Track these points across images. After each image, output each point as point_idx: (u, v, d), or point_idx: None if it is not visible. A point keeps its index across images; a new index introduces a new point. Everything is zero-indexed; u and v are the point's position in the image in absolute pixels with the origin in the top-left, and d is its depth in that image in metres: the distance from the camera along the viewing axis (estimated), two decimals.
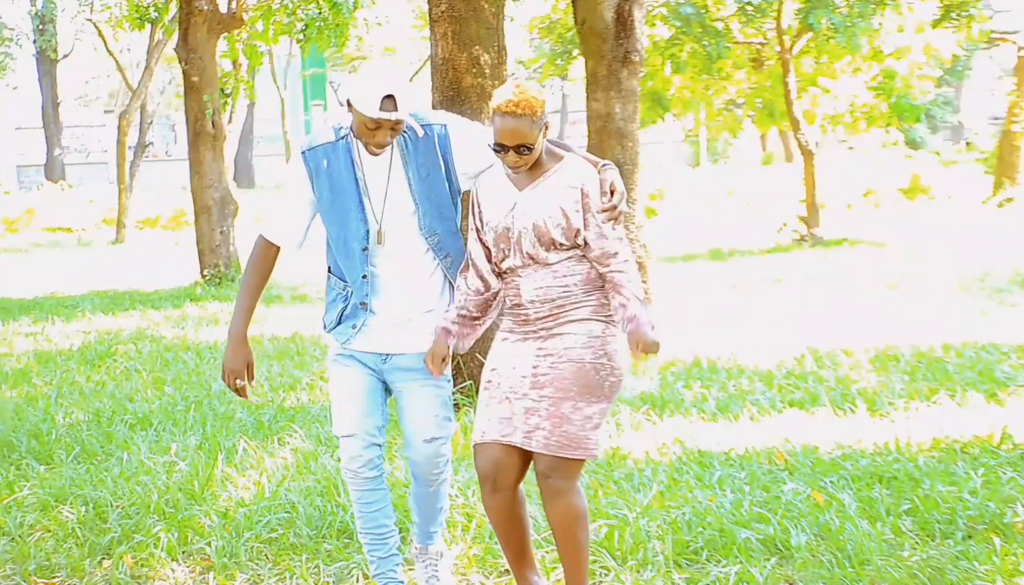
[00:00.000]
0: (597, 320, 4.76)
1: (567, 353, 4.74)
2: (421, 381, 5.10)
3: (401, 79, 4.89)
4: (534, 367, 4.77)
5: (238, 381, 5.11)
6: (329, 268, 5.14)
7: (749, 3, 20.37)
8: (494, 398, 4.85)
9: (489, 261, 4.93)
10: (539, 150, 4.75)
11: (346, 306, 5.06)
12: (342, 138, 5.02)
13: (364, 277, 5.01)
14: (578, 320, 4.75)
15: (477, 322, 5.04)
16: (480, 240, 4.93)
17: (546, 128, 4.75)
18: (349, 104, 4.88)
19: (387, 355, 5.09)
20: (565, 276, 4.77)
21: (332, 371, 5.16)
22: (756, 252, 20.99)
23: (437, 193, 5.02)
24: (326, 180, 4.98)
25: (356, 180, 4.98)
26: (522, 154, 4.71)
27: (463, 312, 5.00)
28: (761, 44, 22.10)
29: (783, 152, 42.73)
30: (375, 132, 4.85)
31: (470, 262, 4.97)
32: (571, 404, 4.71)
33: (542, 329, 4.80)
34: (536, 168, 4.81)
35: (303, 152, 5.03)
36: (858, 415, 8.21)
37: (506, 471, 4.84)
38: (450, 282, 5.07)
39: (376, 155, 4.94)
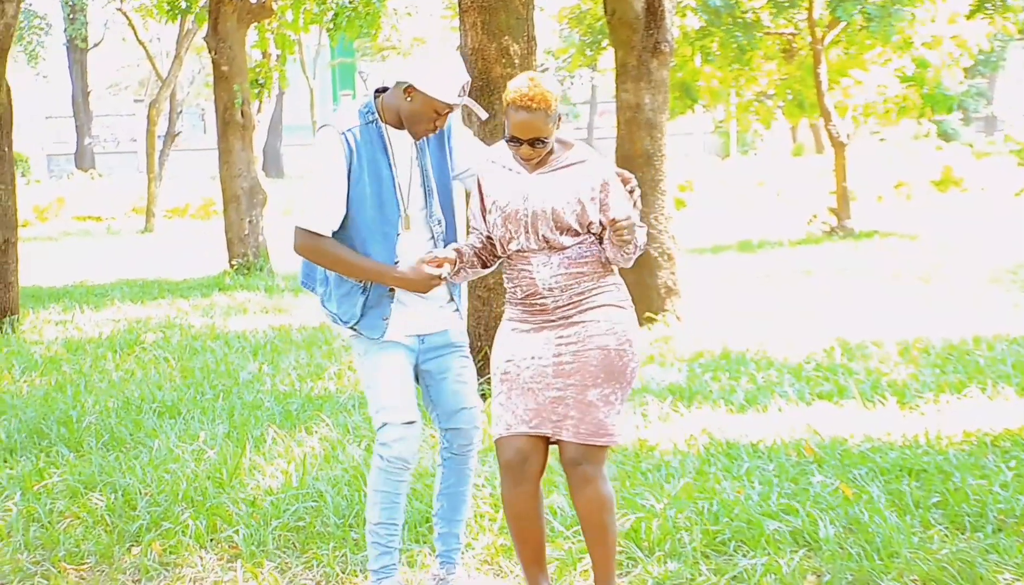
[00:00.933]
0: (616, 305, 4.79)
1: (592, 340, 4.76)
2: (455, 354, 5.18)
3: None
4: (556, 356, 4.78)
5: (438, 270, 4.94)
6: None
7: None
8: (514, 390, 4.85)
9: (490, 244, 5.01)
10: (552, 142, 4.79)
11: (367, 296, 5.02)
12: (371, 122, 5.01)
13: (396, 263, 5.02)
14: (598, 306, 4.78)
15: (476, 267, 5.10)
16: (484, 221, 4.96)
17: (560, 120, 4.78)
18: (412, 89, 4.90)
19: (424, 336, 5.11)
20: (578, 261, 4.79)
21: (377, 358, 5.05)
22: (786, 244, 20.90)
23: (445, 181, 5.15)
24: (364, 163, 4.97)
25: (390, 166, 4.99)
26: (536, 147, 4.75)
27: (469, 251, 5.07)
28: (792, 35, 21.98)
29: (813, 143, 42.53)
30: (438, 119, 4.95)
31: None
32: (598, 391, 4.73)
33: (561, 318, 4.81)
34: (550, 156, 4.86)
35: (343, 133, 4.97)
36: (887, 408, 8.16)
37: (532, 462, 4.86)
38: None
39: (417, 141, 5.03)
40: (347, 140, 4.95)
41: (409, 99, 4.96)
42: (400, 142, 5.05)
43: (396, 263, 5.01)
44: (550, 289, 4.80)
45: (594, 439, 4.74)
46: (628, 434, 4.82)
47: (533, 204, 4.78)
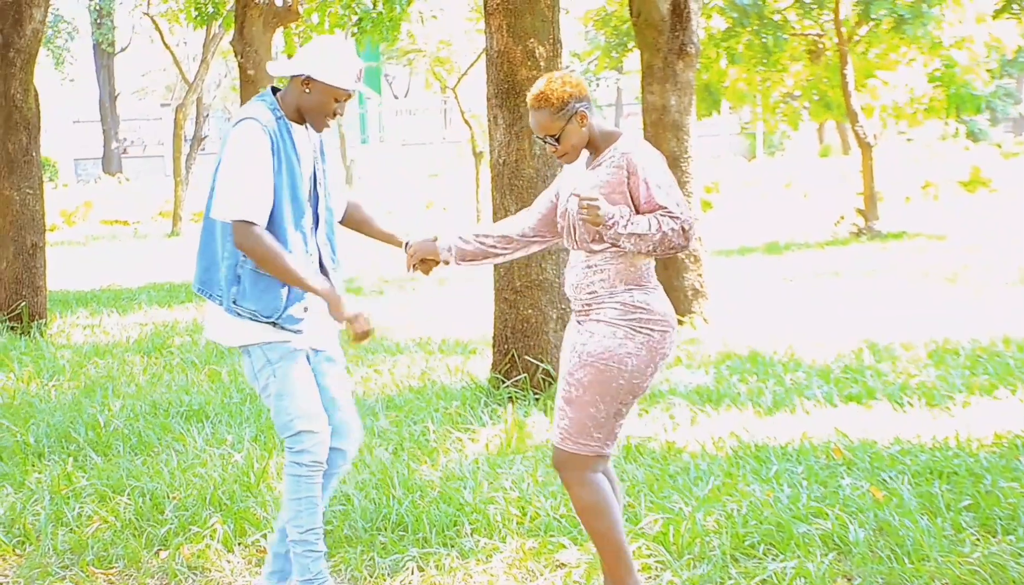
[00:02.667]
0: (616, 323, 4.74)
1: (583, 348, 4.78)
2: (338, 364, 5.25)
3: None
4: (570, 357, 4.84)
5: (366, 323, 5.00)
6: None
7: None
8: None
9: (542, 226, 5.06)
10: (572, 139, 4.80)
11: (290, 289, 4.97)
12: (280, 118, 5.02)
13: (310, 255, 5.07)
14: (599, 320, 4.78)
15: (488, 248, 5.14)
16: (555, 204, 5.00)
17: (580, 117, 4.77)
18: (310, 81, 4.96)
19: (318, 350, 5.17)
20: (595, 271, 4.78)
21: (290, 367, 5.02)
22: (813, 245, 20.82)
23: (329, 180, 5.23)
24: (281, 157, 4.96)
25: (299, 161, 5.03)
26: (549, 143, 4.82)
27: (480, 233, 5.16)
28: (818, 36, 21.90)
29: (840, 144, 42.39)
30: (338, 107, 5.03)
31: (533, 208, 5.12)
32: (579, 397, 4.75)
33: (578, 321, 4.88)
34: (595, 153, 4.85)
35: (265, 127, 4.93)
36: (917, 410, 8.12)
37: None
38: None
39: (319, 132, 5.12)
40: (269, 134, 4.93)
41: (308, 91, 4.99)
42: (301, 139, 5.08)
43: (310, 255, 5.06)
44: (571, 288, 4.88)
45: (565, 443, 4.79)
46: (595, 448, 4.75)
47: (572, 206, 4.80)
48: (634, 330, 4.72)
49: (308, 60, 5.00)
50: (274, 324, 4.98)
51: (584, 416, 4.75)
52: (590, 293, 4.79)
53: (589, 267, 4.80)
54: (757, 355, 10.22)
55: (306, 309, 5.02)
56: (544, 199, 5.09)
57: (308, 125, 5.11)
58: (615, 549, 4.83)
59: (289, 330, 4.99)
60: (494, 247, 5.14)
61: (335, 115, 5.07)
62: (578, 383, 4.76)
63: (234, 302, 4.98)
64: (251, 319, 4.97)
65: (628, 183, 4.71)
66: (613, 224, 4.63)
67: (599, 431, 4.76)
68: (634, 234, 4.63)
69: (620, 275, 4.75)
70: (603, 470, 4.87)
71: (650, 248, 4.65)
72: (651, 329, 4.73)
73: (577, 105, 4.78)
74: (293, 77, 5.04)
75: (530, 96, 4.81)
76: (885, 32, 20.01)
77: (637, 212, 4.70)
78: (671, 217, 4.65)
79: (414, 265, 5.28)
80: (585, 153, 4.91)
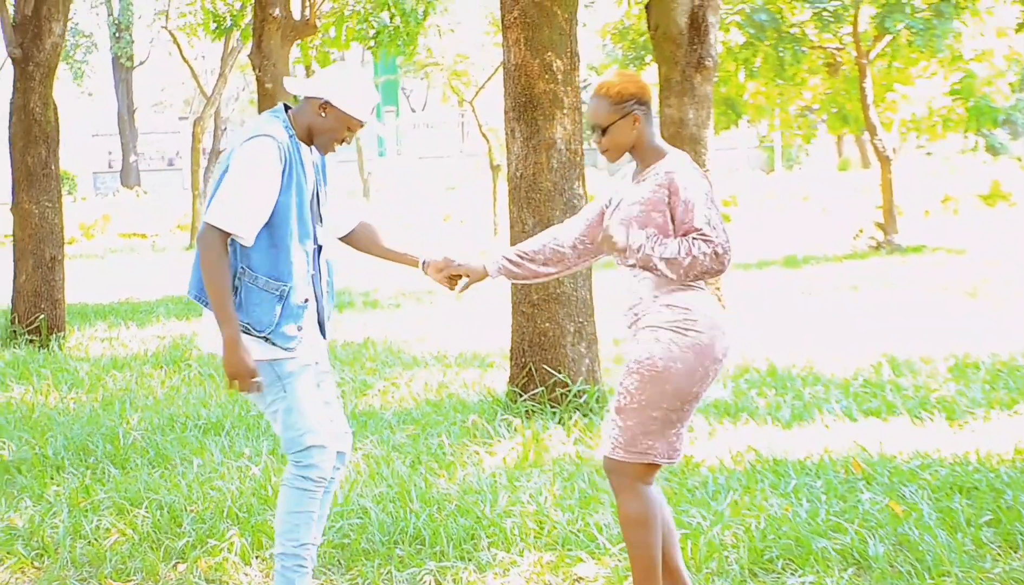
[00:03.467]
0: (660, 327, 4.71)
1: (630, 356, 4.77)
2: (329, 372, 5.28)
3: None
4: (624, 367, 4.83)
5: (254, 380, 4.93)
6: (249, 268, 4.94)
7: (825, 9, 20.15)
8: None
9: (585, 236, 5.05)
10: (618, 136, 4.79)
11: (284, 304, 4.96)
12: (292, 136, 5.02)
13: (312, 275, 5.07)
14: (647, 327, 4.74)
15: (535, 266, 5.14)
16: (603, 213, 4.98)
17: (634, 118, 4.76)
18: (328, 105, 4.98)
19: (316, 362, 5.17)
20: (639, 279, 4.76)
21: (299, 382, 5.01)
22: (831, 259, 20.79)
23: (328, 202, 5.24)
24: (292, 175, 4.96)
25: (305, 180, 5.03)
26: (595, 133, 4.82)
27: (523, 252, 5.14)
28: (837, 49, 21.87)
29: (859, 158, 42.33)
30: (349, 136, 5.07)
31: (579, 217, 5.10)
32: (627, 405, 4.72)
33: (631, 331, 4.85)
34: (641, 165, 4.84)
35: (280, 144, 4.92)
36: (936, 424, 8.08)
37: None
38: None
39: (324, 154, 5.15)
40: (282, 151, 4.93)
41: (324, 115, 5.00)
42: (306, 159, 5.08)
43: (312, 276, 5.06)
44: (626, 299, 4.84)
45: (615, 452, 4.76)
46: (646, 457, 4.73)
47: (615, 218, 4.80)
48: (679, 333, 4.67)
49: (329, 85, 5.01)
50: (266, 339, 4.96)
51: (634, 424, 4.70)
52: (638, 299, 4.76)
53: (634, 276, 4.79)
54: (776, 369, 10.18)
55: (300, 329, 5.00)
56: (594, 207, 5.05)
57: (313, 147, 5.12)
58: (648, 566, 4.78)
59: (279, 347, 4.97)
60: (546, 265, 5.12)
61: (344, 142, 5.10)
62: (626, 391, 4.72)
63: None
64: (243, 332, 4.93)
65: (669, 202, 4.68)
66: (639, 248, 4.64)
67: (649, 439, 4.70)
68: (664, 258, 4.63)
69: (664, 278, 4.73)
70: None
71: (680, 272, 4.63)
72: (697, 331, 4.67)
73: (635, 106, 4.76)
74: (308, 98, 5.05)
75: (598, 84, 4.82)
76: (904, 45, 19.97)
77: (676, 232, 4.69)
78: (704, 240, 4.61)
79: (447, 279, 5.29)
80: (632, 166, 4.89)
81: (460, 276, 5.30)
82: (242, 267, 4.92)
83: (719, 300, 12.06)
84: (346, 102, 4.98)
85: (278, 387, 5.02)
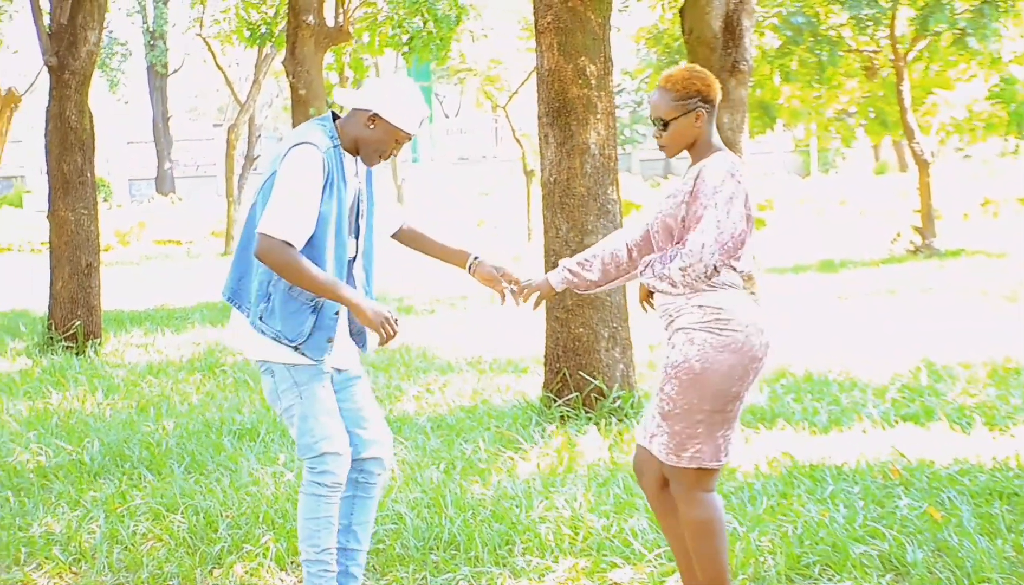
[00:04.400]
0: (693, 328, 4.67)
1: (667, 361, 4.73)
2: (363, 379, 5.26)
3: None
4: (661, 371, 4.80)
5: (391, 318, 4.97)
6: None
7: (862, 12, 20.04)
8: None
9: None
10: (679, 131, 4.74)
11: (317, 316, 4.97)
12: (336, 145, 5.01)
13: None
14: (681, 328, 4.71)
15: (594, 275, 5.08)
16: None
17: (696, 115, 4.71)
18: (377, 118, 4.97)
19: (340, 369, 5.17)
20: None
21: (315, 389, 5.02)
22: (868, 263, 20.66)
23: (370, 218, 5.22)
24: (334, 186, 4.95)
25: (346, 190, 5.02)
26: (656, 126, 4.77)
27: (583, 262, 5.09)
28: (874, 52, 21.76)
29: (896, 161, 42.10)
30: (395, 148, 5.05)
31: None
32: (671, 411, 4.68)
33: (667, 334, 4.81)
34: (695, 161, 4.80)
35: (324, 153, 4.92)
36: (976, 430, 8.00)
37: (643, 471, 4.89)
38: None
39: (370, 166, 5.13)
40: (326, 161, 4.92)
41: (372, 126, 4.99)
42: (349, 169, 5.07)
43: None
44: (659, 301, 4.80)
45: (670, 458, 4.71)
46: (698, 461, 4.68)
47: (654, 215, 4.79)
48: (713, 334, 4.62)
49: (378, 97, 5.00)
50: (296, 348, 4.97)
51: (680, 429, 4.66)
52: (672, 300, 4.72)
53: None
54: (812, 374, 10.12)
55: (330, 340, 5.01)
56: (652, 211, 5.03)
57: (359, 157, 5.11)
58: (716, 574, 4.73)
59: (309, 357, 4.98)
60: (606, 273, 5.06)
61: (392, 154, 5.08)
62: (667, 397, 4.68)
63: (260, 319, 4.98)
64: (274, 339, 4.96)
65: (687, 200, 4.67)
66: (642, 273, 4.71)
67: (698, 442, 4.66)
68: (657, 275, 4.66)
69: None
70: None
71: (675, 284, 4.64)
72: (733, 330, 4.63)
73: (700, 103, 4.71)
74: (357, 109, 5.04)
75: (663, 76, 4.78)
76: (944, 48, 19.84)
77: (684, 231, 4.67)
78: (681, 254, 4.60)
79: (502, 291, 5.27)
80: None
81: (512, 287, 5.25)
82: (276, 273, 4.93)
83: (755, 304, 12.01)
84: (395, 114, 4.96)
85: (295, 393, 5.03)
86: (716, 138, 4.80)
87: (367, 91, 5.04)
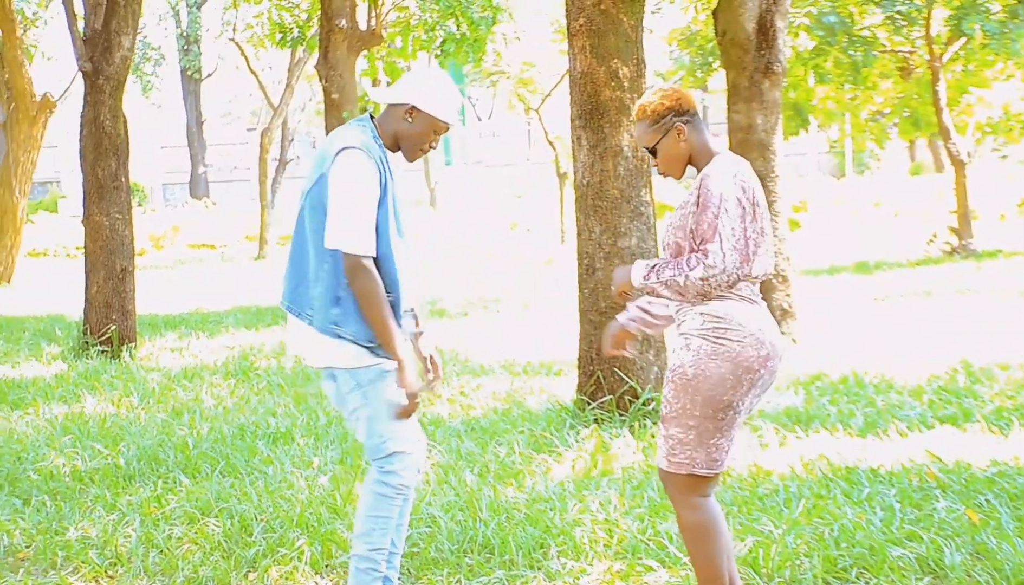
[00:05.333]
0: (696, 336, 4.64)
1: (668, 364, 4.75)
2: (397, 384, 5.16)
3: None
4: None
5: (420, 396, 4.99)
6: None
7: (897, 12, 19.92)
8: None
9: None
10: (668, 153, 4.75)
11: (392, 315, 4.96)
12: (380, 146, 5.00)
13: (403, 284, 5.05)
14: (682, 333, 4.71)
15: (660, 307, 4.98)
16: None
17: (677, 131, 4.71)
18: (415, 110, 4.95)
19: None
20: None
21: (381, 388, 5.00)
22: (904, 264, 20.54)
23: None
24: (388, 188, 4.95)
25: (394, 189, 5.01)
26: (651, 155, 4.79)
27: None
28: (909, 52, 21.63)
29: (932, 162, 41.86)
30: (435, 140, 5.04)
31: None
32: (668, 414, 4.68)
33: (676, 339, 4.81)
34: (699, 170, 4.77)
35: (374, 158, 4.91)
36: (1014, 432, 7.93)
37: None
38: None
39: (411, 161, 5.11)
40: (377, 164, 4.91)
41: (410, 120, 4.98)
42: (393, 167, 5.06)
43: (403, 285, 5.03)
44: (674, 309, 4.77)
45: (661, 462, 4.73)
46: (690, 467, 4.65)
47: (667, 227, 4.78)
48: (709, 342, 4.60)
49: (414, 90, 4.99)
50: (370, 349, 4.96)
51: (675, 433, 4.66)
52: (678, 309, 4.72)
53: None
54: (848, 376, 10.06)
55: (404, 340, 5.00)
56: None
57: (399, 153, 5.10)
58: (710, 577, 4.72)
59: (382, 357, 4.97)
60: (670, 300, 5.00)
61: (431, 147, 5.07)
62: (665, 401, 4.69)
63: (335, 324, 4.95)
64: (351, 341, 4.94)
65: (693, 211, 4.65)
66: (645, 281, 4.66)
67: (688, 449, 4.64)
68: (662, 281, 4.61)
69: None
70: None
71: (682, 292, 4.60)
72: (730, 340, 4.58)
73: (675, 119, 4.71)
74: (393, 105, 5.03)
75: (635, 109, 4.81)
76: (979, 47, 19.70)
77: (694, 240, 4.64)
78: (704, 264, 4.52)
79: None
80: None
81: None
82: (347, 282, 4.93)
83: (790, 306, 11.95)
84: (433, 105, 4.96)
85: (359, 394, 5.02)
86: (713, 143, 4.80)
87: (402, 85, 5.03)
